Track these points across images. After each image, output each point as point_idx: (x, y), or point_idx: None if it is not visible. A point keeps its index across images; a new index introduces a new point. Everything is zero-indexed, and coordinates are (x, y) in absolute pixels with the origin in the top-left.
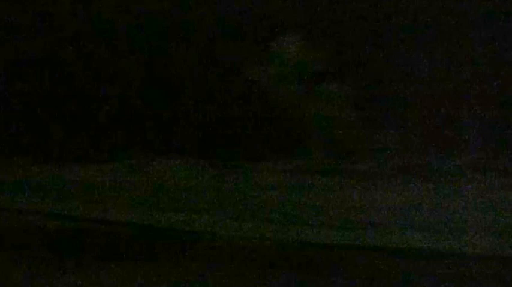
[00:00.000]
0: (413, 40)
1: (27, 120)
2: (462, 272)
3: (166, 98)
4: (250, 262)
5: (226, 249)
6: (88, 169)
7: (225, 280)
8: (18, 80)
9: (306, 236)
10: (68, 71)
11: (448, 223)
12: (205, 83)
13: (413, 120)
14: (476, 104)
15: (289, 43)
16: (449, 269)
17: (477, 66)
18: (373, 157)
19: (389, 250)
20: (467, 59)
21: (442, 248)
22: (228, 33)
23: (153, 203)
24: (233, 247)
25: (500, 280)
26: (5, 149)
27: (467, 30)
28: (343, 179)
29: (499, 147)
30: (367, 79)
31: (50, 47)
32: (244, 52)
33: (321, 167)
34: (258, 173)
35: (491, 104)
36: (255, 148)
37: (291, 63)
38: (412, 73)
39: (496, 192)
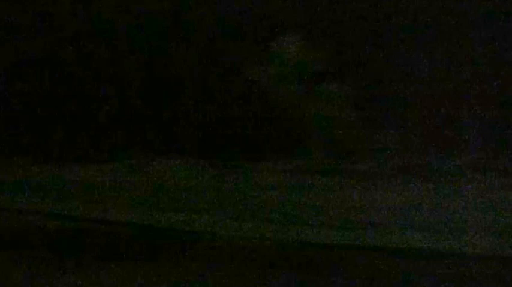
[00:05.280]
0: (413, 40)
1: (27, 120)
2: (462, 272)
3: (166, 98)
4: (250, 262)
5: (226, 249)
6: (88, 169)
7: (225, 280)
8: (18, 80)
9: (306, 236)
10: (68, 71)
11: (448, 223)
12: (205, 83)
13: (413, 120)
14: (476, 104)
15: (289, 43)
16: (449, 269)
17: (477, 66)
18: (373, 157)
19: (389, 250)
20: (467, 59)
21: (442, 248)
22: (228, 33)
23: (153, 203)
24: (233, 247)
25: (500, 280)
26: (5, 149)
27: (467, 30)
28: (343, 179)
29: (499, 147)
30: (367, 79)
31: (50, 47)
32: (244, 52)
33: (321, 167)
34: (258, 173)
35: (491, 104)
36: (255, 148)
37: (291, 63)
38: (412, 73)
39: (496, 192)
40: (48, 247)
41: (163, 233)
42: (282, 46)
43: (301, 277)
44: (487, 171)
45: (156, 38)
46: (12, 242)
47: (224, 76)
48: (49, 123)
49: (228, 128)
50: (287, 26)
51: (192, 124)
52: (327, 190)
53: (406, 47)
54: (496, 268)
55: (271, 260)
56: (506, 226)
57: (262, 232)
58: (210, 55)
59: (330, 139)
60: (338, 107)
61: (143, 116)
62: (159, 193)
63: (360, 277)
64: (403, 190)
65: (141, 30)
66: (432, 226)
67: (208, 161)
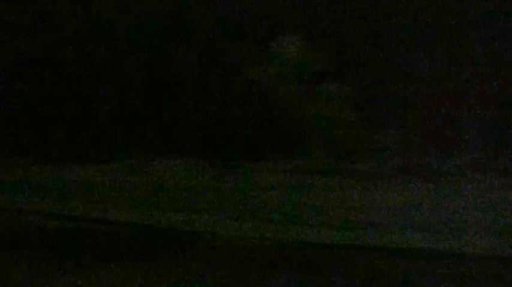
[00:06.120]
0: (413, 40)
1: (27, 120)
2: (462, 272)
3: (166, 98)
4: (250, 262)
5: (226, 249)
6: (88, 169)
7: (225, 280)
8: (18, 80)
9: (306, 236)
10: (68, 71)
11: (448, 223)
12: (205, 83)
13: (413, 120)
14: (476, 104)
15: (289, 43)
16: (449, 269)
17: (477, 66)
18: (373, 157)
19: (389, 250)
20: (467, 59)
21: (442, 248)
22: (228, 33)
23: (153, 203)
24: (233, 247)
25: (500, 280)
26: (5, 149)
27: (467, 30)
28: (343, 179)
29: (499, 147)
30: (367, 79)
31: (50, 47)
32: (244, 52)
33: (321, 167)
34: (258, 173)
35: (491, 104)
36: (255, 148)
37: (291, 63)
38: (412, 73)
39: (496, 192)
40: (48, 247)
41: (163, 233)
42: (282, 46)
43: (301, 277)
44: (487, 171)
45: (156, 38)
46: (12, 242)
47: (224, 76)
48: (49, 123)
49: (228, 128)
50: (287, 26)
51: (192, 124)
52: (327, 190)
53: (406, 47)
54: (496, 268)
55: (271, 260)
56: (506, 226)
57: (262, 232)
58: (210, 55)
59: (330, 139)
60: (338, 107)
61: (143, 116)
62: (159, 193)
63: (360, 277)
64: (403, 190)
65: (141, 30)
66: (432, 226)
67: (208, 161)
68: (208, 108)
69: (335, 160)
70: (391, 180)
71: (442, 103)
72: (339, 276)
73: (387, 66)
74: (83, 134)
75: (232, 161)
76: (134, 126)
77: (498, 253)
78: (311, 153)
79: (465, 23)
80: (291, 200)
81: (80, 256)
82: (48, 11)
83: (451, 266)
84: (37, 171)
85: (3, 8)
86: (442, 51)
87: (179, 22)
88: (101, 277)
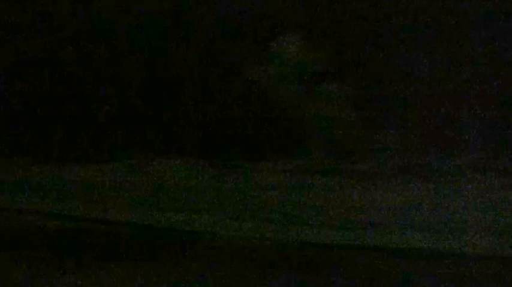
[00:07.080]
0: (413, 40)
1: (27, 120)
2: (462, 272)
3: (166, 98)
4: (250, 262)
5: (226, 249)
6: (88, 169)
7: (225, 280)
8: (18, 80)
9: (306, 236)
10: (68, 71)
11: (448, 223)
12: (205, 83)
13: (413, 120)
14: (476, 104)
15: (289, 43)
16: (449, 269)
17: (477, 66)
18: (373, 157)
19: (389, 250)
20: (467, 59)
21: (442, 248)
22: (228, 33)
23: (153, 203)
24: (233, 247)
25: (500, 280)
26: (5, 149)
27: (467, 30)
28: (343, 179)
29: (499, 147)
30: (367, 79)
31: (50, 47)
32: (244, 52)
33: (321, 167)
34: (258, 173)
35: (491, 104)
36: (255, 148)
37: (291, 63)
38: (412, 73)
39: (496, 192)
40: (48, 247)
41: (163, 233)
42: (282, 46)
43: (301, 277)
44: (487, 171)
45: (156, 38)
46: (12, 242)
47: (224, 76)
48: (49, 123)
49: (228, 128)
50: (287, 26)
51: (192, 124)
52: (327, 190)
53: (406, 47)
54: (496, 268)
55: (271, 260)
56: (506, 226)
57: (262, 232)
58: (210, 55)
59: (330, 139)
60: (338, 107)
61: (143, 116)
62: (159, 193)
63: (360, 277)
64: (403, 190)
65: (141, 30)
66: (432, 226)
67: (208, 161)
68: (208, 108)
69: (335, 160)
70: (391, 180)
71: (442, 103)
72: (339, 276)
73: (387, 66)
74: (83, 134)
75: (232, 161)
76: (134, 126)
77: (498, 253)
78: (311, 153)
79: (465, 23)
80: (291, 200)
81: (80, 256)
82: (48, 11)
83: (451, 266)
84: (37, 171)
85: (3, 8)
86: (442, 51)
87: (179, 22)
88: (101, 277)
